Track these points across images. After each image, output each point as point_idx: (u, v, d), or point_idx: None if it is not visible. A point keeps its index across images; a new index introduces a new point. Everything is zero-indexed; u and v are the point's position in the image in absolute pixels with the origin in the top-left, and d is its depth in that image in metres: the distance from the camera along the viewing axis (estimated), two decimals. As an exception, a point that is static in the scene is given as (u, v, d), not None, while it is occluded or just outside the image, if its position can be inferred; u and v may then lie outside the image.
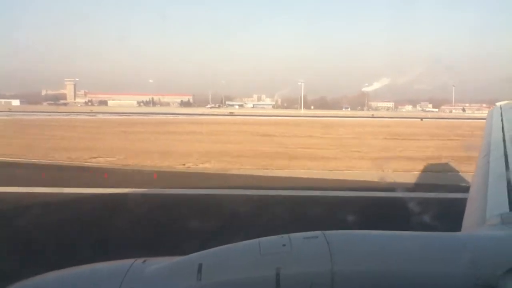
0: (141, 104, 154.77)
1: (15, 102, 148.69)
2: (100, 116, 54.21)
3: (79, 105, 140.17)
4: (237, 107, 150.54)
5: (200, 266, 1.48)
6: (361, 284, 1.44)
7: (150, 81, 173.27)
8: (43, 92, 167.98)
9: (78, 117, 51.42)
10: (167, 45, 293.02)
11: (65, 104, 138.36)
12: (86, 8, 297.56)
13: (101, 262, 1.68)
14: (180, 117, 56.93)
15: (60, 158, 15.86)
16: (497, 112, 5.08)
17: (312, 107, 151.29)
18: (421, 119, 54.57)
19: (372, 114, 77.13)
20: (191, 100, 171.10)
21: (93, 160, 15.58)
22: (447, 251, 1.59)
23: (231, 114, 77.61)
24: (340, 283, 1.41)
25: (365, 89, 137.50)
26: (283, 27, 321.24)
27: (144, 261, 1.59)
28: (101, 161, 15.38)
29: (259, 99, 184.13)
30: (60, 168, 13.99)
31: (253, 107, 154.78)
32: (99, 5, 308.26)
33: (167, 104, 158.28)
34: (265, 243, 1.56)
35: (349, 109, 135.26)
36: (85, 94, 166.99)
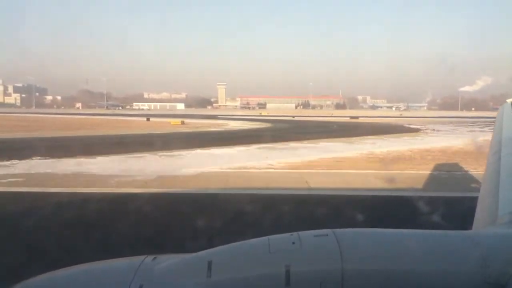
0: (300, 106, 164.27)
1: (180, 106, 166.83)
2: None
3: (250, 108, 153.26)
4: (385, 108, 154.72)
5: (210, 263, 1.49)
6: (372, 283, 1.44)
7: (310, 83, 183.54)
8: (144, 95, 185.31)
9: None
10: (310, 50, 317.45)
11: (248, 107, 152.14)
12: (238, 18, 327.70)
13: (111, 259, 1.70)
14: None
15: None
16: (508, 109, 4.82)
17: (473, 109, 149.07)
18: None
19: None
20: (346, 103, 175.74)
21: None
22: (458, 250, 1.58)
23: None
24: (350, 281, 1.41)
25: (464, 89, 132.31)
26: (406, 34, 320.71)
27: (154, 258, 1.61)
28: None
29: (363, 100, 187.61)
30: None
31: (405, 108, 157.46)
32: (242, 14, 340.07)
33: (320, 106, 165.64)
34: (274, 241, 1.56)
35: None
36: (239, 98, 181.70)
